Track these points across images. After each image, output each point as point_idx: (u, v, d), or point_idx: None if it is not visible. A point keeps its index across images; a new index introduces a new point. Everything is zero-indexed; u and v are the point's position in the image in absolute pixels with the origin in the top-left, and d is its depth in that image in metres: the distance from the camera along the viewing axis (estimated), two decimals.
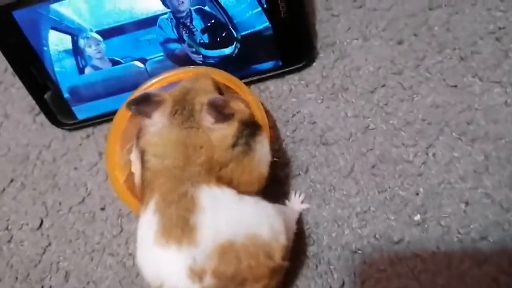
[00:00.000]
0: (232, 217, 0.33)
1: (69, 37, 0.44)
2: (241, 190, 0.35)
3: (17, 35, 0.43)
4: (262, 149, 0.37)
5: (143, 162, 0.35)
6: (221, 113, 0.34)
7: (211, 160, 0.34)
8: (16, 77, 0.54)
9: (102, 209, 0.47)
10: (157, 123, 0.35)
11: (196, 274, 0.31)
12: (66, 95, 0.47)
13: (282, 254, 0.34)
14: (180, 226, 0.32)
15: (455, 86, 0.44)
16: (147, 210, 0.34)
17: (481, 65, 0.44)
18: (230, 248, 0.32)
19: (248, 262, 0.32)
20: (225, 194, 0.34)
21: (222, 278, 0.32)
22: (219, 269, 0.31)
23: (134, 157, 0.38)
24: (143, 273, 0.34)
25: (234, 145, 0.35)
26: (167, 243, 0.32)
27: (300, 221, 0.42)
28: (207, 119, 0.35)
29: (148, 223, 0.33)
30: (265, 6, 0.43)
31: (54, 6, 0.43)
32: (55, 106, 0.48)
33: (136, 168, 0.38)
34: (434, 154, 0.43)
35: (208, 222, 0.32)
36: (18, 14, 0.43)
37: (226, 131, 0.35)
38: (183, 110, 0.35)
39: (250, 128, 0.36)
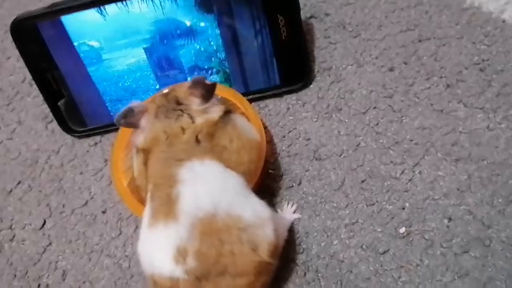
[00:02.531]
0: (213, 188, 0.35)
1: (86, 48, 0.48)
2: (235, 165, 0.37)
3: (39, 44, 0.47)
4: (241, 120, 0.40)
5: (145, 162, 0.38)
6: (204, 87, 0.37)
7: (196, 136, 0.36)
8: (32, 87, 0.58)
9: (103, 212, 0.49)
10: (145, 126, 0.38)
11: (181, 254, 0.32)
12: (79, 103, 0.51)
13: (269, 250, 0.35)
14: (165, 203, 0.34)
15: (441, 110, 0.47)
16: (146, 200, 0.36)
17: (466, 92, 0.47)
18: (210, 226, 0.33)
19: (230, 247, 0.33)
20: (207, 166, 0.35)
21: (204, 262, 0.32)
22: (200, 250, 0.32)
23: (135, 160, 0.40)
24: (141, 263, 0.36)
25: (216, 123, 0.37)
26: (156, 223, 0.34)
27: (291, 230, 0.44)
28: (195, 102, 0.38)
29: (145, 211, 0.36)
30: (267, 28, 0.47)
31: (74, 18, 0.47)
32: (67, 113, 0.51)
33: (137, 170, 0.39)
34: (420, 172, 0.45)
35: (187, 192, 0.34)
36: (42, 25, 0.46)
37: (212, 116, 0.37)
38: (167, 106, 0.38)
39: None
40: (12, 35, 0.47)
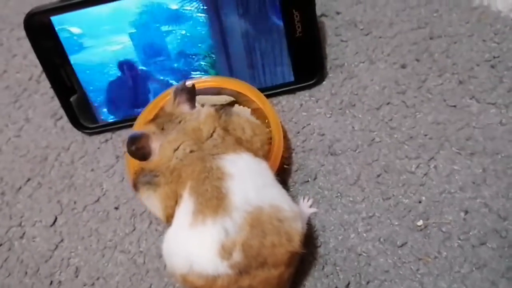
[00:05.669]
0: (257, 182, 0.36)
1: (98, 42, 0.48)
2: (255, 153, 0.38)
3: (52, 39, 0.47)
4: (238, 108, 0.43)
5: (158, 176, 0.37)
6: (188, 93, 0.39)
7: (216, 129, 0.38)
8: (40, 85, 0.58)
9: (116, 208, 0.49)
10: (156, 148, 0.38)
11: (226, 250, 0.33)
12: (91, 99, 0.50)
13: (300, 241, 0.36)
14: (215, 196, 0.34)
15: (454, 106, 0.48)
16: (182, 200, 0.35)
17: (478, 88, 0.48)
18: (258, 218, 0.34)
19: (272, 238, 0.34)
20: (246, 160, 0.36)
21: (249, 254, 0.33)
22: (247, 242, 0.33)
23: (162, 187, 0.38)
24: (169, 263, 0.36)
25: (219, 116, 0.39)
26: (203, 219, 0.34)
27: (308, 225, 0.44)
28: (185, 109, 0.39)
29: (183, 209, 0.35)
30: (282, 25, 0.47)
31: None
32: (79, 109, 0.51)
33: (153, 201, 0.38)
34: (435, 166, 0.45)
35: (237, 187, 0.34)
36: (56, 19, 0.46)
37: (206, 111, 0.39)
38: (166, 120, 0.39)
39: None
40: (25, 29, 0.47)
